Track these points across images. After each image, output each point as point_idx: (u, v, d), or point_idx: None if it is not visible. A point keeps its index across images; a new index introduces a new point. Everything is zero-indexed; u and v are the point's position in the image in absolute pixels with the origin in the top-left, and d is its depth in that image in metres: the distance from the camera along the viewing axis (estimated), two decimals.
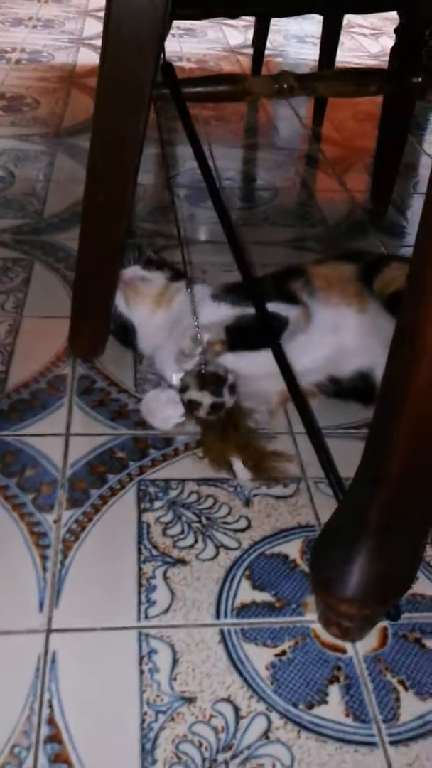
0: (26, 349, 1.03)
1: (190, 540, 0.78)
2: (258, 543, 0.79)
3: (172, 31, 2.16)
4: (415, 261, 0.57)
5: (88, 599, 0.71)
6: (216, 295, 0.96)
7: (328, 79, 0.99)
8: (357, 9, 1.66)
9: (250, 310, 0.89)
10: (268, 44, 2.09)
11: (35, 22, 2.60)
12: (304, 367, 0.90)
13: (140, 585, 0.73)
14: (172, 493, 0.83)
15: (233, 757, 0.60)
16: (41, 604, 0.70)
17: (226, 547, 0.78)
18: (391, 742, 0.62)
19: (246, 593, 0.73)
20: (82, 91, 2.01)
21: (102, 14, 0.80)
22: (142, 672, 0.66)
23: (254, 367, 0.90)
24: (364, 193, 1.58)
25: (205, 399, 0.86)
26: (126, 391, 0.97)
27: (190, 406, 0.87)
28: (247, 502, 0.83)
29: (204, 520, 0.81)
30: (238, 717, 0.63)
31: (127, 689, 0.64)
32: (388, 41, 2.60)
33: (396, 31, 1.35)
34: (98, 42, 2.41)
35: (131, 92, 0.81)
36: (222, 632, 0.70)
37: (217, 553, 0.77)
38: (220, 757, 0.60)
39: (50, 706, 0.63)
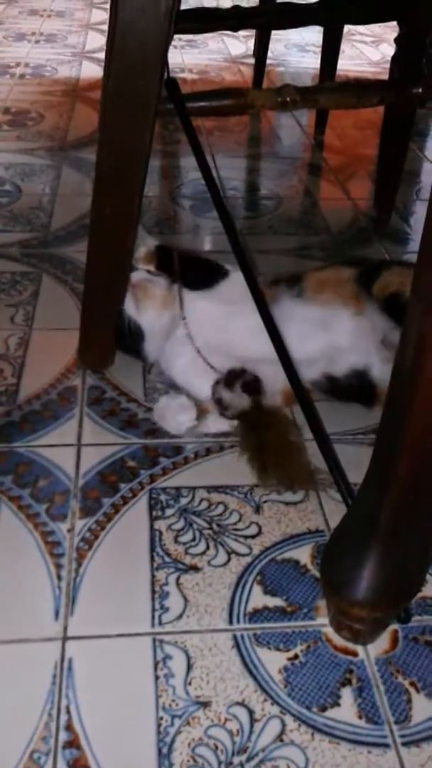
0: (37, 361, 1.05)
1: (201, 547, 0.79)
2: (269, 549, 0.80)
3: (173, 43, 2.19)
4: (420, 264, 0.58)
5: (103, 607, 0.72)
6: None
7: (329, 91, 1.00)
8: (357, 20, 1.68)
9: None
10: (269, 54, 2.11)
11: (38, 36, 2.63)
12: (296, 360, 0.91)
13: (154, 592, 0.74)
14: (183, 501, 0.84)
15: (248, 759, 0.61)
16: (57, 613, 0.72)
17: (238, 554, 0.79)
18: (404, 743, 0.63)
19: (258, 598, 0.75)
20: (86, 104, 2.03)
21: (104, 28, 0.82)
22: (157, 677, 0.67)
23: (250, 351, 0.93)
24: (367, 201, 1.60)
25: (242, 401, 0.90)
26: (135, 401, 0.98)
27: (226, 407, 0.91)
28: (258, 509, 0.84)
29: (215, 527, 0.82)
30: (252, 720, 0.64)
31: (143, 694, 0.65)
32: (389, 49, 2.62)
33: (396, 40, 1.36)
34: (101, 55, 2.43)
35: (137, 106, 0.82)
36: (235, 637, 0.71)
37: (229, 560, 0.78)
38: (236, 760, 0.61)
39: (68, 712, 0.64)
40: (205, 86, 2.18)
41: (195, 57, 2.49)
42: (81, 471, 0.87)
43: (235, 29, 1.51)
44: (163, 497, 0.85)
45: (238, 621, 0.72)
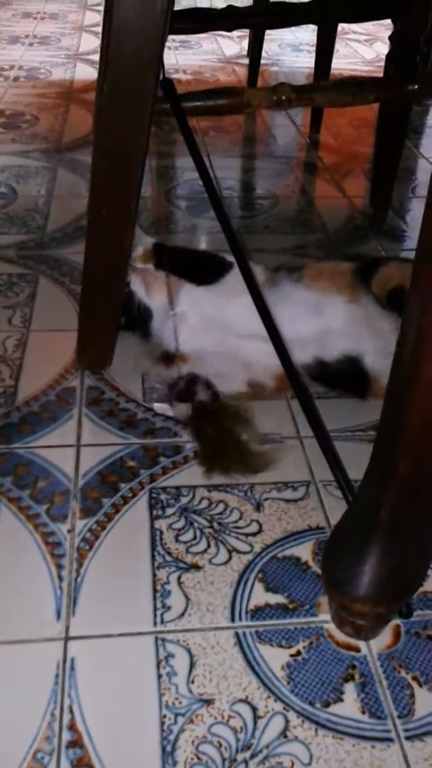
0: (35, 362, 1.05)
1: (202, 545, 0.79)
2: (270, 546, 0.80)
3: (167, 44, 2.19)
4: (419, 258, 0.58)
5: (105, 606, 0.73)
6: None
7: (325, 89, 1.00)
8: (352, 18, 1.68)
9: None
10: (263, 54, 2.11)
11: (32, 39, 2.63)
12: (288, 339, 0.93)
13: (155, 591, 0.74)
14: (184, 500, 0.84)
15: (252, 756, 0.61)
16: (58, 613, 0.72)
17: (239, 551, 0.79)
18: (407, 738, 0.63)
19: (259, 596, 0.75)
20: (81, 106, 2.03)
21: (98, 30, 0.82)
22: (160, 676, 0.67)
23: (236, 319, 0.97)
24: (363, 199, 1.60)
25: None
26: (134, 401, 0.98)
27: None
28: (258, 507, 0.84)
29: (216, 526, 0.82)
30: (256, 717, 0.64)
31: (146, 693, 0.65)
32: (383, 47, 2.63)
33: (390, 37, 1.37)
34: (95, 57, 2.43)
35: (133, 107, 0.82)
36: (237, 635, 0.71)
37: (230, 558, 0.78)
38: (240, 757, 0.61)
39: (71, 711, 0.64)
40: (200, 87, 2.17)
41: (189, 58, 2.49)
42: (81, 471, 0.87)
43: (229, 29, 1.51)
44: (163, 496, 0.85)
45: (240, 618, 0.72)
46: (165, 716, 0.64)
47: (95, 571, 0.76)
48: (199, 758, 0.61)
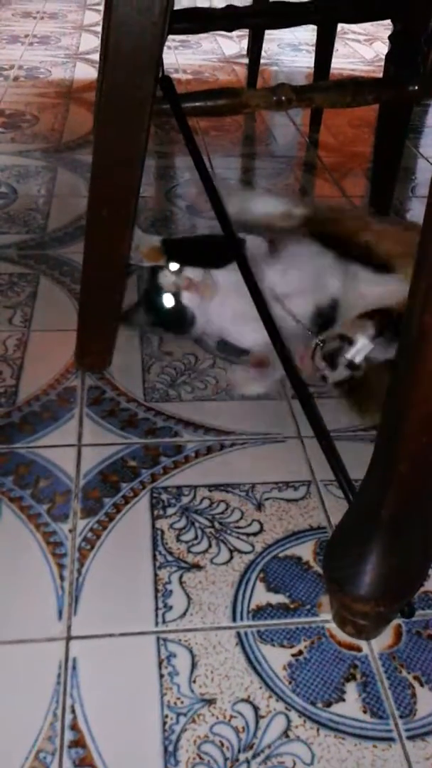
0: (35, 362, 1.05)
1: (204, 545, 0.80)
2: (271, 546, 0.80)
3: (167, 44, 2.19)
4: (420, 262, 0.58)
5: (106, 606, 0.73)
6: None
7: (325, 90, 1.00)
8: (352, 19, 1.68)
9: None
10: (262, 53, 2.11)
11: (32, 38, 2.63)
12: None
13: (157, 590, 0.74)
14: (185, 500, 0.85)
15: (254, 756, 0.61)
16: (60, 613, 0.72)
17: (240, 551, 0.79)
18: (409, 737, 0.63)
19: (261, 596, 0.75)
20: (81, 105, 2.03)
21: (97, 29, 0.82)
22: (161, 676, 0.67)
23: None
24: (363, 199, 1.60)
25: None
26: (135, 401, 0.98)
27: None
28: (259, 506, 0.84)
29: (217, 525, 0.82)
30: (257, 717, 0.64)
31: (148, 693, 0.65)
32: (382, 47, 2.63)
33: (390, 37, 1.36)
34: (95, 57, 2.43)
35: (132, 108, 0.82)
36: (239, 634, 0.71)
37: (231, 557, 0.78)
38: (242, 757, 0.61)
39: (73, 711, 0.64)
40: (200, 86, 2.18)
41: (189, 57, 2.49)
42: (82, 471, 0.87)
43: (229, 29, 1.51)
44: (164, 496, 0.85)
45: (242, 618, 0.72)
46: (167, 716, 0.64)
47: (97, 570, 0.76)
48: (201, 758, 0.61)
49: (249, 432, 0.94)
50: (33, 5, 3.10)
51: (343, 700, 0.66)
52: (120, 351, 1.04)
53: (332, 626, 0.72)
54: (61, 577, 0.75)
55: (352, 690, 0.67)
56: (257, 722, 0.64)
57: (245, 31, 2.47)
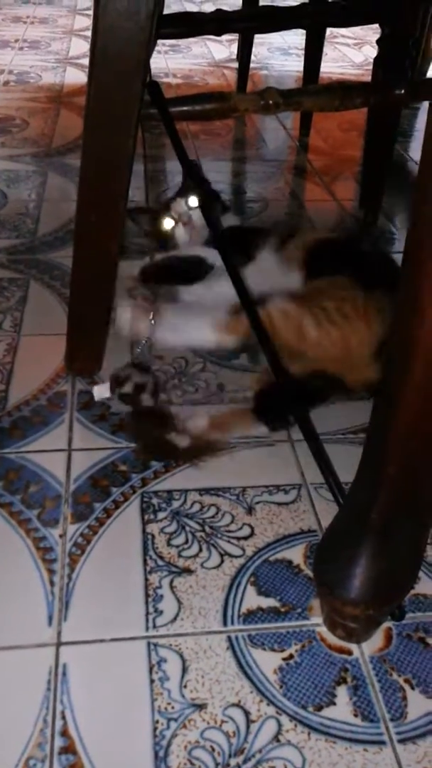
0: (25, 367, 1.05)
1: (194, 549, 0.79)
2: (261, 550, 0.80)
3: (157, 48, 2.19)
4: (406, 262, 0.58)
5: (97, 611, 0.72)
6: None
7: (312, 93, 1.01)
8: (341, 22, 1.69)
9: None
10: (252, 57, 2.11)
11: (22, 43, 2.63)
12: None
13: (147, 595, 0.74)
14: (175, 504, 0.84)
15: (246, 760, 0.61)
16: (50, 618, 0.72)
17: (231, 555, 0.79)
18: (400, 741, 0.63)
19: (252, 599, 0.75)
20: (71, 110, 2.03)
21: (88, 34, 0.82)
22: (152, 681, 0.67)
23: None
24: (353, 202, 1.60)
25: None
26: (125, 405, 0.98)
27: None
28: (250, 510, 0.84)
29: (207, 529, 0.82)
30: (248, 721, 0.64)
31: (139, 698, 0.65)
32: (371, 51, 2.64)
33: (379, 41, 1.37)
34: (85, 61, 2.43)
35: (119, 113, 0.82)
36: (230, 639, 0.71)
37: (222, 561, 0.78)
38: (233, 762, 0.61)
39: (63, 717, 0.64)
40: (189, 91, 2.17)
41: (179, 62, 2.49)
42: (72, 476, 0.87)
43: (218, 33, 1.51)
44: (155, 501, 0.85)
45: (233, 622, 0.72)
46: (158, 721, 0.64)
47: (87, 576, 0.76)
48: (192, 763, 0.61)
49: (239, 435, 0.94)
50: (23, 10, 3.10)
51: (334, 703, 0.66)
52: (110, 355, 1.04)
53: (323, 630, 0.72)
54: (52, 583, 0.75)
55: (342, 693, 0.67)
56: (248, 727, 0.64)
57: (235, 36, 2.47)
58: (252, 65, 2.15)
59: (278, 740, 0.63)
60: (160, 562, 0.78)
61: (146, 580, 0.76)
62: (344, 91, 1.01)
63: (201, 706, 0.65)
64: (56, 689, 0.66)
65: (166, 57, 2.52)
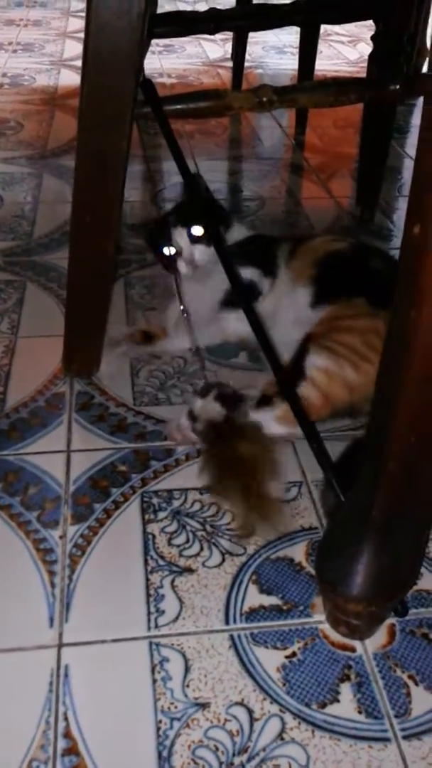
0: (23, 368, 1.04)
1: (195, 548, 0.79)
2: (263, 548, 0.80)
3: (151, 48, 2.19)
4: (403, 260, 0.58)
5: (98, 612, 0.72)
6: None
7: (307, 90, 1.00)
8: (334, 19, 1.68)
9: None
10: (247, 56, 2.11)
11: (15, 46, 2.63)
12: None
13: (149, 595, 0.74)
14: (176, 503, 0.84)
15: (249, 759, 0.61)
16: (51, 620, 0.71)
17: (232, 554, 0.79)
18: (404, 737, 0.63)
19: (254, 598, 0.74)
20: (65, 112, 2.03)
21: (81, 36, 0.81)
22: (155, 681, 0.66)
23: None
24: (350, 199, 1.60)
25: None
26: (124, 405, 0.98)
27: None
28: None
29: (208, 528, 0.81)
30: (252, 720, 0.64)
31: (141, 698, 0.65)
32: (366, 48, 2.63)
33: (373, 38, 1.37)
34: (79, 63, 2.42)
35: (112, 113, 0.82)
36: (232, 637, 0.70)
37: (223, 560, 0.78)
38: (237, 760, 0.61)
39: (66, 719, 0.63)
40: (184, 90, 2.18)
41: (173, 61, 2.49)
42: (71, 477, 0.87)
43: (212, 32, 1.51)
44: (155, 500, 0.84)
45: (235, 621, 0.72)
46: (161, 721, 0.63)
47: (88, 576, 0.75)
48: (195, 763, 0.61)
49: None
50: (16, 13, 3.09)
51: (338, 701, 0.66)
52: (108, 356, 1.04)
53: (326, 627, 0.72)
54: (52, 584, 0.74)
55: (346, 690, 0.67)
56: (252, 725, 0.63)
57: (229, 35, 2.47)
58: (247, 64, 2.15)
59: (282, 738, 0.63)
60: (161, 562, 0.77)
61: (147, 580, 0.75)
62: (339, 87, 1.01)
63: (204, 706, 0.65)
64: (58, 691, 0.65)
65: (160, 57, 2.52)
